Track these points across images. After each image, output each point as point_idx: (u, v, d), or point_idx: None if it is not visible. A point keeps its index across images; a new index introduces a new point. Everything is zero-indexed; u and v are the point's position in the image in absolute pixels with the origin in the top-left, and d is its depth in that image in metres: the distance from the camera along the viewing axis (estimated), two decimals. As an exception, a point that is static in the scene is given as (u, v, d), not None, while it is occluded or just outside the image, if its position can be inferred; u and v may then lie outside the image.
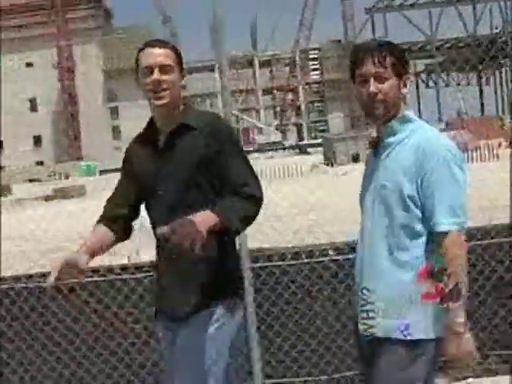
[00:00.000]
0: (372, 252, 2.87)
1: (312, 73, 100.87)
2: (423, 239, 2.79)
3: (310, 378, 5.03)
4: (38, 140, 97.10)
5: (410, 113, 2.91)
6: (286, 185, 6.25)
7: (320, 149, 54.73)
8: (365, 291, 2.88)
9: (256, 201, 2.95)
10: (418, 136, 2.81)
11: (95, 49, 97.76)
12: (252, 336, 4.54)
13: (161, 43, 3.11)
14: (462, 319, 2.69)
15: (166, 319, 3.16)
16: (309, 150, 66.19)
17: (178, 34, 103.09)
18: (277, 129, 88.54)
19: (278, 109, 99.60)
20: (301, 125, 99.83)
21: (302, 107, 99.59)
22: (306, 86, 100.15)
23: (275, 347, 5.04)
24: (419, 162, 2.74)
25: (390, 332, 2.80)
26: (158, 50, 3.03)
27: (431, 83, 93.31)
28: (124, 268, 5.33)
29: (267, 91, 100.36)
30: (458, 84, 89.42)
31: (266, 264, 4.85)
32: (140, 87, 3.08)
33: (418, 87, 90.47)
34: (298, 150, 70.47)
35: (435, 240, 2.76)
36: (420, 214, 2.78)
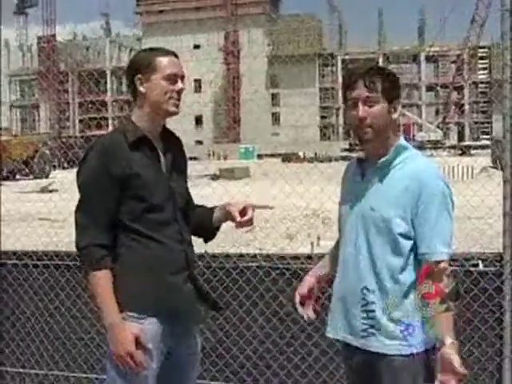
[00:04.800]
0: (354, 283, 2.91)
1: (479, 72, 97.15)
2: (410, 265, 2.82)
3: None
4: (199, 120, 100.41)
5: (403, 141, 2.92)
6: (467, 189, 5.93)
7: (482, 151, 52.71)
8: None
9: None
10: (413, 166, 2.85)
11: (261, 35, 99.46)
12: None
13: (176, 55, 3.18)
14: (452, 339, 2.69)
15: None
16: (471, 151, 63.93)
17: (345, 24, 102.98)
18: (438, 127, 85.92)
19: (440, 106, 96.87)
20: (463, 125, 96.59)
21: (466, 107, 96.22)
22: (472, 85, 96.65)
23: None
24: (415, 193, 2.78)
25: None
26: (179, 61, 3.12)
27: None
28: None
29: (431, 88, 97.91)
30: None
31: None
32: (150, 89, 3.06)
33: None
34: (459, 151, 68.16)
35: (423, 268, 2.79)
36: (408, 247, 2.81)
